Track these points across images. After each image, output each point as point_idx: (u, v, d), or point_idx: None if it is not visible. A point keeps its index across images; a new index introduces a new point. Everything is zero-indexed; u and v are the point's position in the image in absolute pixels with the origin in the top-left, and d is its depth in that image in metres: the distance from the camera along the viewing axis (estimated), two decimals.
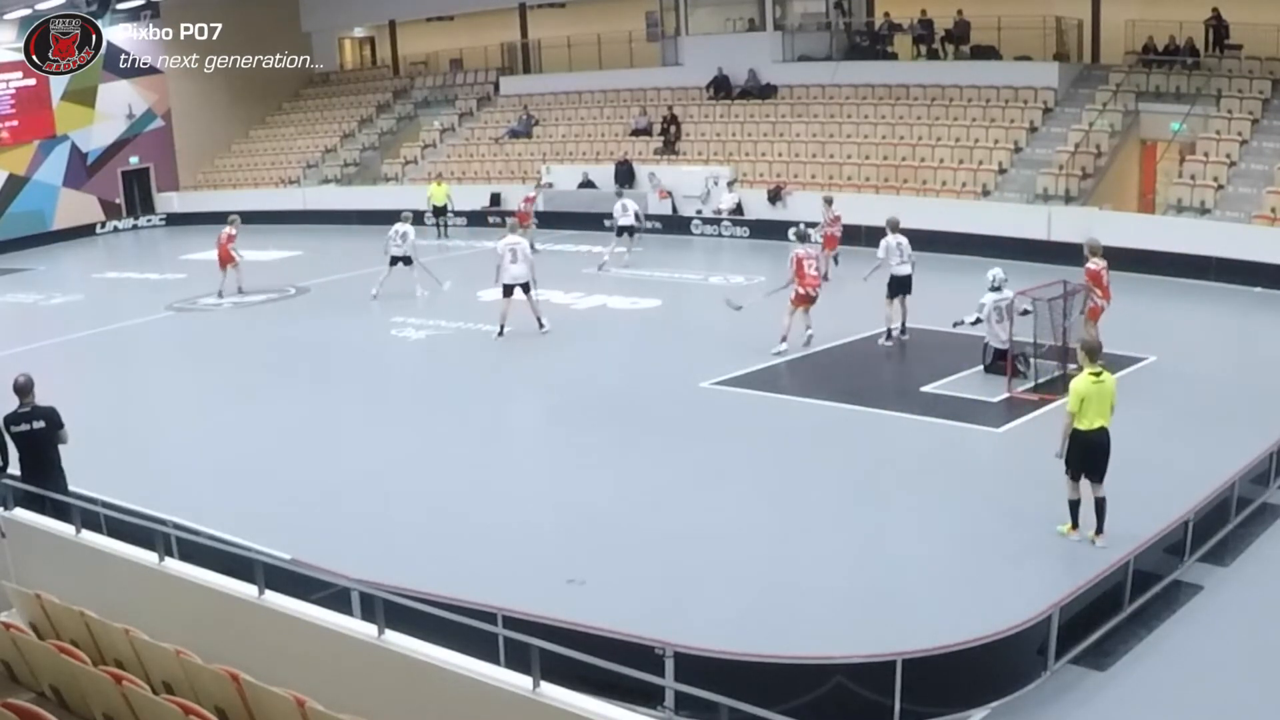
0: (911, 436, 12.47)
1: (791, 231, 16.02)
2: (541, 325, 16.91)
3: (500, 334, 16.77)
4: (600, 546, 9.73)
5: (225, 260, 21.04)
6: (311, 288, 22.22)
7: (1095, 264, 13.83)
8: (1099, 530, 9.08)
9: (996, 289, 13.68)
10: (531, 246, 24.02)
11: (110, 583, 7.27)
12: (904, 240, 15.24)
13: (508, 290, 16.71)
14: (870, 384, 14.43)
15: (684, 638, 7.71)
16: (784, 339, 15.03)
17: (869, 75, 26.87)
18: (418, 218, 27.94)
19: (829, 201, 20.31)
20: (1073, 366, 13.25)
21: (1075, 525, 9.18)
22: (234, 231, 21.08)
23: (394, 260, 19.94)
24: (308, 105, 36.70)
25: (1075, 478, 9.15)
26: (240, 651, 6.20)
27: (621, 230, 22.31)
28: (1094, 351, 9.24)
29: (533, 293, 16.93)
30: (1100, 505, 9.09)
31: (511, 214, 21.87)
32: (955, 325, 14.21)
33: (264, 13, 32.50)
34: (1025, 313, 13.30)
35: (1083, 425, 9.00)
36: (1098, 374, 9.05)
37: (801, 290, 14.95)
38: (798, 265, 14.92)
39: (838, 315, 15.89)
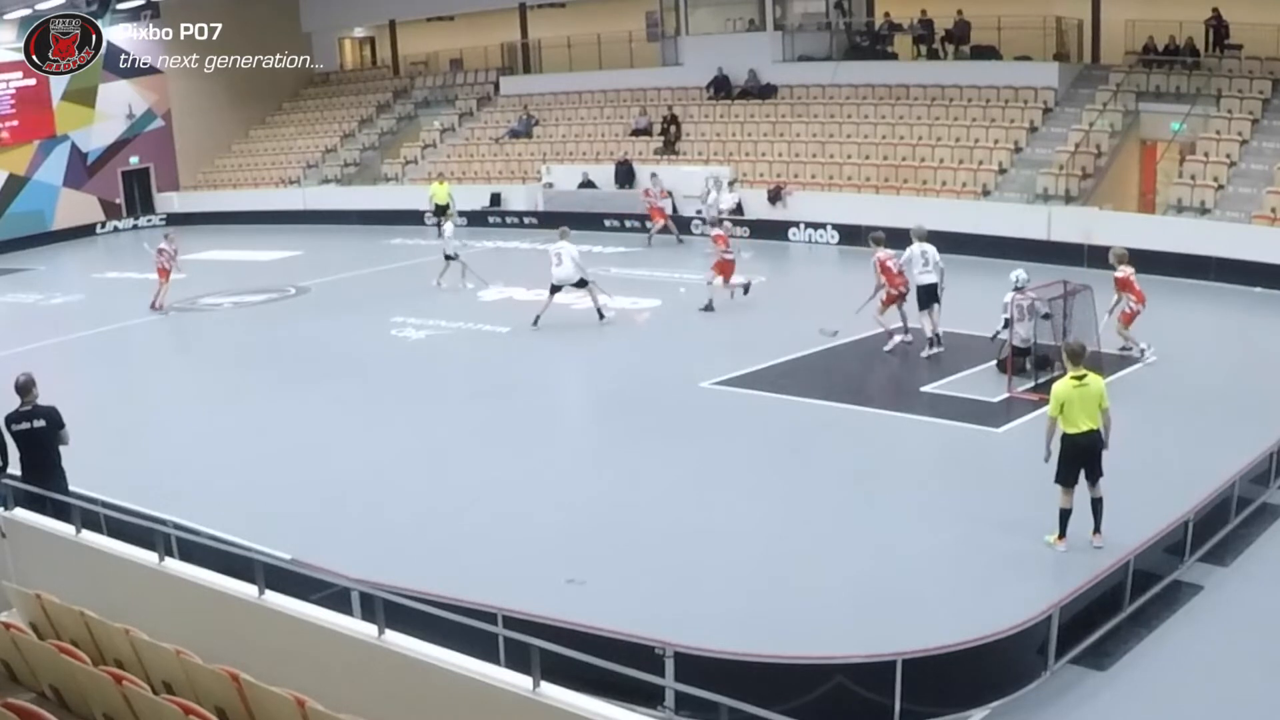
0: (911, 436, 12.47)
1: (871, 237, 15.84)
2: (537, 321, 17.25)
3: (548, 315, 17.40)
4: (600, 546, 9.73)
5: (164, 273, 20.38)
6: (311, 288, 22.22)
7: (1123, 271, 14.05)
8: (1096, 530, 9.07)
9: (1019, 289, 13.67)
10: (676, 239, 24.36)
11: (110, 583, 7.26)
12: (930, 248, 14.95)
13: (554, 289, 17.34)
14: (870, 384, 14.43)
15: (684, 638, 7.71)
16: (905, 330, 15.10)
17: (869, 75, 26.86)
18: (419, 217, 28.17)
19: (719, 222, 19.56)
20: None
21: (1063, 535, 9.06)
22: (165, 246, 20.53)
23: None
24: (308, 105, 36.70)
25: (1068, 484, 9.06)
26: (240, 651, 6.20)
27: (714, 223, 22.44)
28: (1076, 354, 9.17)
29: (590, 289, 17.50)
30: (1097, 505, 9.06)
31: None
32: (994, 338, 14.01)
33: (264, 13, 32.50)
34: (1046, 316, 13.33)
35: (1071, 429, 8.93)
36: (1080, 377, 8.98)
37: (893, 291, 15.02)
38: (883, 269, 15.00)
39: (838, 316, 15.87)
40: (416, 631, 5.83)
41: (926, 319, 14.94)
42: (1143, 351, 14.07)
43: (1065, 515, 9.07)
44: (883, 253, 15.15)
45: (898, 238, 15.74)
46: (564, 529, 10.16)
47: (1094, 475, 9.04)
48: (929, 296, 14.88)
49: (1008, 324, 13.63)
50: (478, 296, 19.52)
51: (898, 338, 15.07)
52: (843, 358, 15.18)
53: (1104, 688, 7.73)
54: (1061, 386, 9.00)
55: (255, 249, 26.94)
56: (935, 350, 14.81)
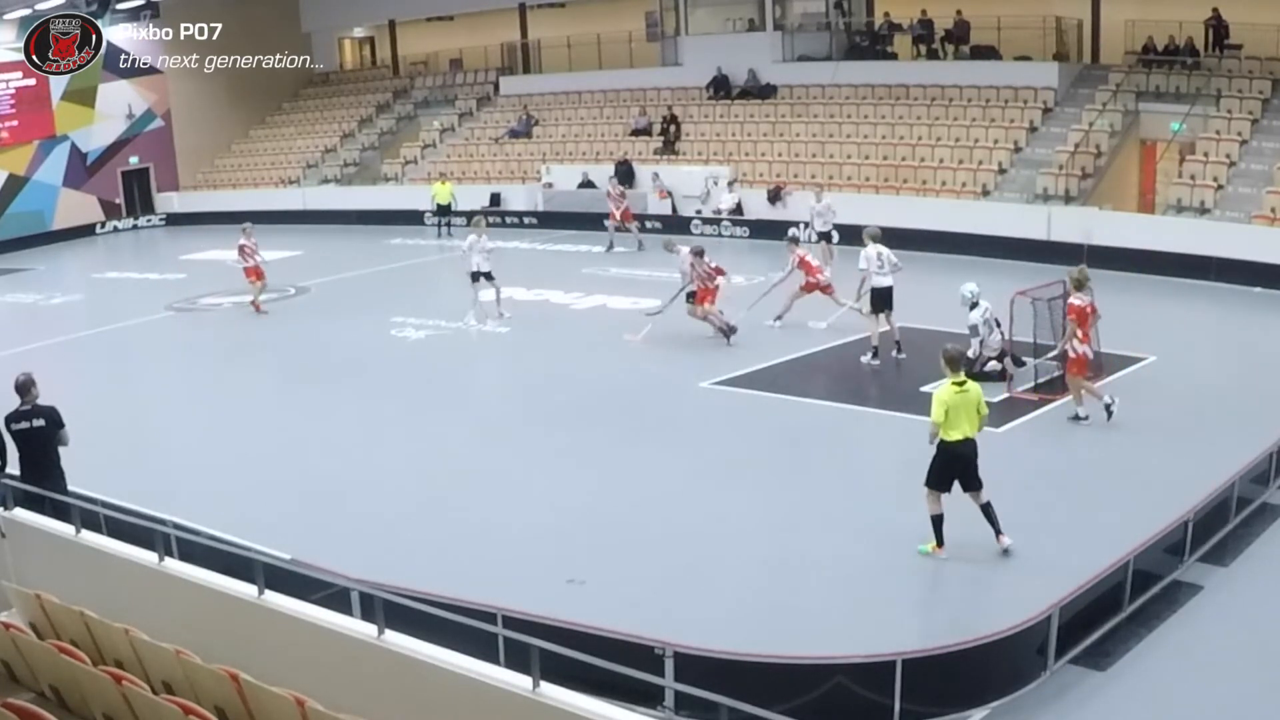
0: (911, 436, 12.42)
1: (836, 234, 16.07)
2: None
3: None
4: (600, 546, 9.73)
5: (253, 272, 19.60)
6: (311, 288, 22.21)
7: (1080, 299, 11.92)
8: (998, 533, 9.02)
9: (976, 304, 13.62)
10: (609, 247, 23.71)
11: (110, 583, 7.26)
12: (885, 250, 14.70)
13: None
14: (870, 384, 14.42)
15: (684, 638, 7.72)
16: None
17: (869, 75, 26.86)
18: (419, 217, 28.15)
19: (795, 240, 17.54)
20: None
21: (940, 544, 9.02)
22: (244, 241, 19.50)
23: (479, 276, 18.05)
24: (308, 105, 36.69)
25: (940, 489, 9.00)
26: (240, 651, 6.20)
27: (822, 237, 21.12)
28: (954, 361, 9.13)
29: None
30: (987, 510, 9.03)
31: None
32: (984, 363, 13.79)
33: (264, 13, 32.51)
34: (997, 324, 13.38)
35: (950, 436, 8.91)
36: (961, 383, 8.98)
37: (811, 280, 16.12)
38: (802, 264, 16.03)
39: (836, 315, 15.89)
40: (416, 631, 5.83)
41: (873, 323, 14.65)
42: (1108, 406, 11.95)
43: (938, 522, 9.01)
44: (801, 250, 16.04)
45: (899, 238, 15.73)
46: (564, 529, 10.15)
47: (971, 484, 9.00)
48: (883, 301, 14.59)
49: (982, 340, 13.53)
50: (477, 297, 19.50)
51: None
52: (842, 358, 15.16)
53: (1104, 688, 7.73)
54: (945, 393, 8.96)
55: None
56: (874, 363, 14.58)
